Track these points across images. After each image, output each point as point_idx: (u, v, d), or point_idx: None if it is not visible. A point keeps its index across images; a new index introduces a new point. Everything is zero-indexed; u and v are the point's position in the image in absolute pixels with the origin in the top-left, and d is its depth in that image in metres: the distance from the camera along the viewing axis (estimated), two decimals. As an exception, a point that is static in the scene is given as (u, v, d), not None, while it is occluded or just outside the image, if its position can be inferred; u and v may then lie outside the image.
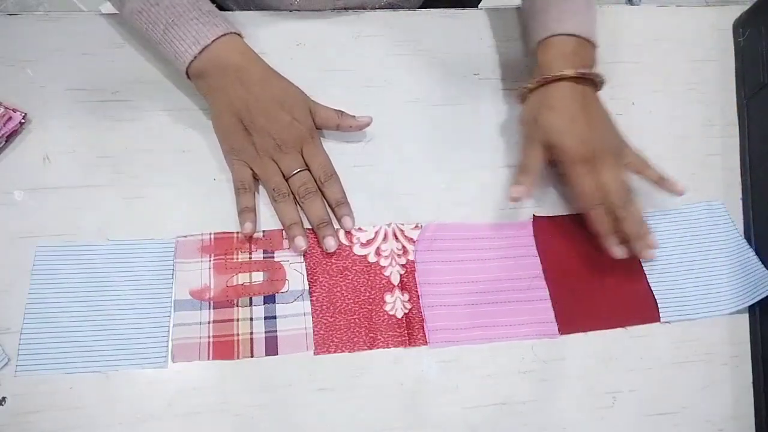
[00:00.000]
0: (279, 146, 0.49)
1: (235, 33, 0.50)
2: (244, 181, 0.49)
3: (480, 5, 0.69)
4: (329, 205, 0.50)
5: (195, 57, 0.48)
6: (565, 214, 0.53)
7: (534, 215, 0.52)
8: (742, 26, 0.62)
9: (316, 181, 0.50)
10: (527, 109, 0.52)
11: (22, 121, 0.50)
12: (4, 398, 0.42)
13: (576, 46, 0.51)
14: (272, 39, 0.57)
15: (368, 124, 0.52)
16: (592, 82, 0.51)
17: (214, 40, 0.48)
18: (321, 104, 0.52)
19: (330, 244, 0.48)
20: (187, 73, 0.50)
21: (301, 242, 0.48)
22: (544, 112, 0.50)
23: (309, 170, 0.50)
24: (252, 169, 0.50)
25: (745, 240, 0.53)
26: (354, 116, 0.52)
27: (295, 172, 0.49)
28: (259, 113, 0.49)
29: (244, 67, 0.49)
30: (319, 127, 0.52)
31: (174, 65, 0.50)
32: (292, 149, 0.50)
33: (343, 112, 0.52)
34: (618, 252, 0.49)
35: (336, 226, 0.50)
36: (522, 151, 0.53)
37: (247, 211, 0.48)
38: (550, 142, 0.50)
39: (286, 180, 0.50)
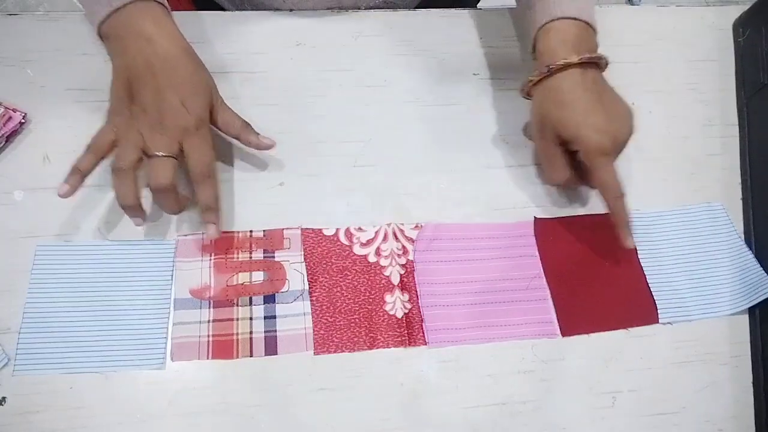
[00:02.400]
0: (155, 126, 0.45)
1: (155, 1, 0.47)
2: (99, 143, 0.45)
3: (479, 5, 0.69)
4: (200, 207, 0.47)
5: (106, 17, 0.46)
6: (565, 216, 0.53)
7: (535, 217, 0.52)
8: (742, 26, 0.62)
9: (192, 177, 0.46)
10: (536, 106, 0.50)
11: (22, 121, 0.50)
12: (4, 398, 0.42)
13: (578, 30, 0.48)
14: (272, 39, 0.57)
15: (269, 147, 0.49)
16: (597, 65, 0.49)
17: (127, 4, 0.46)
18: (228, 107, 0.49)
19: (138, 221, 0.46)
20: (100, 35, 0.47)
21: (139, 222, 0.46)
22: (555, 109, 0.48)
23: (180, 162, 0.46)
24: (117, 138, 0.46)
25: (744, 242, 0.53)
26: (258, 134, 0.49)
27: (160, 154, 0.44)
28: (149, 88, 0.45)
29: (152, 38, 0.46)
30: (218, 128, 0.49)
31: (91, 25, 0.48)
32: (170, 134, 0.45)
33: (248, 125, 0.49)
34: (631, 243, 0.49)
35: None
36: (540, 152, 0.52)
37: (74, 173, 0.44)
38: (565, 137, 0.48)
39: (148, 157, 0.45)
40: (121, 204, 0.45)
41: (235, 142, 0.52)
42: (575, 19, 0.48)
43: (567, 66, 0.47)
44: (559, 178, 0.51)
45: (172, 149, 0.45)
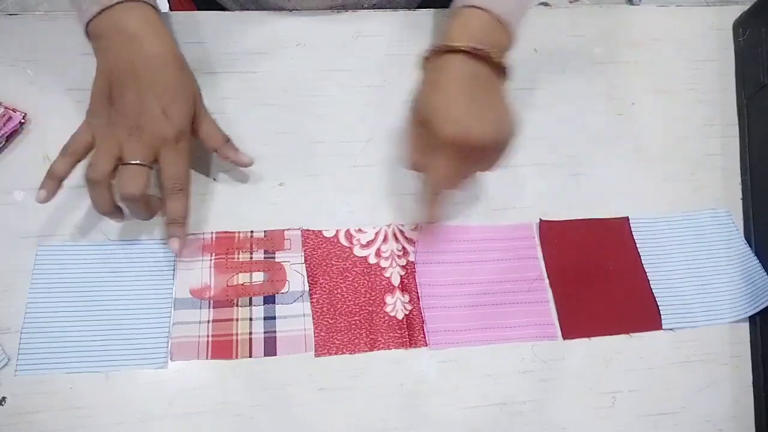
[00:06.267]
0: (133, 131, 0.44)
1: (145, 2, 0.46)
2: (75, 146, 0.44)
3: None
4: (166, 219, 0.46)
5: (95, 16, 0.45)
6: (570, 219, 0.53)
7: (541, 219, 0.52)
8: (742, 26, 0.62)
9: (163, 190, 0.46)
10: (419, 83, 0.48)
11: (22, 121, 0.50)
12: (4, 398, 0.42)
13: (482, 22, 0.45)
14: (272, 39, 0.57)
15: (247, 165, 0.49)
16: (492, 63, 0.45)
17: (116, 3, 0.44)
18: (211, 119, 0.49)
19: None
20: (88, 34, 0.46)
21: (119, 220, 0.46)
22: (425, 87, 0.46)
23: (158, 171, 0.46)
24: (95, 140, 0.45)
25: (749, 248, 0.53)
26: (237, 150, 0.49)
27: (134, 162, 0.44)
28: (130, 92, 0.44)
29: (139, 37, 0.45)
30: (199, 139, 0.48)
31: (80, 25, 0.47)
32: (148, 142, 0.44)
33: (229, 139, 0.49)
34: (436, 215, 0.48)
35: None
36: (405, 131, 0.49)
37: (50, 177, 0.44)
38: (420, 117, 0.45)
39: (122, 164, 0.44)
40: (97, 211, 0.45)
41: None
42: (484, 10, 0.45)
43: (451, 50, 0.44)
44: (409, 160, 0.48)
45: (147, 158, 0.44)
